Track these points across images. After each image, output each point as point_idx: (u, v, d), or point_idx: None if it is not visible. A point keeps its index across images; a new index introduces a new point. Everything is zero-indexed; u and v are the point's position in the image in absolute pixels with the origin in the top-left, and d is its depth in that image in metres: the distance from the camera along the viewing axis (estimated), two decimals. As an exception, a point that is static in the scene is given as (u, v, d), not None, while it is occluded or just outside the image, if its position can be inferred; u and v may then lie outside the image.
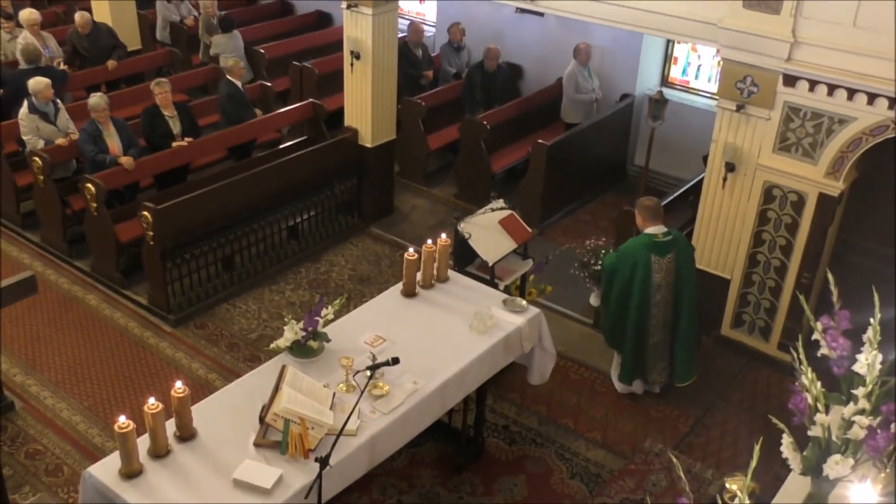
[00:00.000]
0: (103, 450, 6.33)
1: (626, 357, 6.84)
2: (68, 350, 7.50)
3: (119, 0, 11.85)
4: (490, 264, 6.51)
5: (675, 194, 8.62)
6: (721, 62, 6.79)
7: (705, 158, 7.65)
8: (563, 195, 9.83)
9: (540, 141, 9.33)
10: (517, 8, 10.23)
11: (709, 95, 10.30)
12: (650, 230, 6.42)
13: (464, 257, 6.71)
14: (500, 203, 6.95)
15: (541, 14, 10.41)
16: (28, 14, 10.32)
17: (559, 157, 9.41)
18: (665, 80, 10.76)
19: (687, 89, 10.64)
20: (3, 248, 8.99)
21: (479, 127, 9.74)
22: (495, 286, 6.48)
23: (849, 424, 3.54)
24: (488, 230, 6.66)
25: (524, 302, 6.06)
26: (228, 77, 9.69)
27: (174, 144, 8.77)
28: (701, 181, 7.56)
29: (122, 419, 4.28)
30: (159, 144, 8.80)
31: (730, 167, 6.80)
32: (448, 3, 12.02)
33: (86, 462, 6.05)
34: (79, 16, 10.91)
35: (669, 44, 10.51)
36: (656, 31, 7.29)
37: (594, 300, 8.09)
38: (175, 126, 8.89)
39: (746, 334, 7.35)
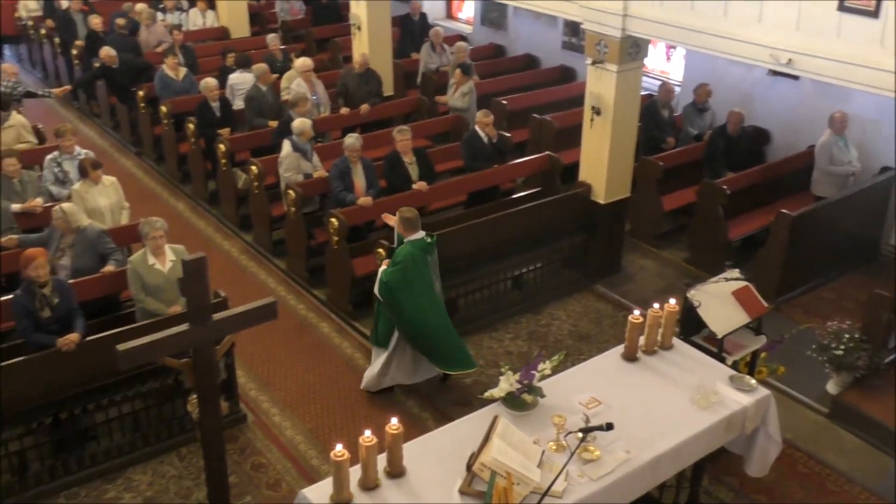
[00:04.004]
0: (319, 472, 6.65)
1: (439, 345, 7.37)
2: (298, 373, 7.98)
3: (379, 48, 12.64)
4: (719, 336, 6.21)
5: (938, 281, 7.80)
6: None
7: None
8: (804, 270, 9.19)
9: (784, 210, 8.81)
10: (770, 70, 9.80)
11: None
12: (415, 237, 7.18)
13: (690, 326, 6.44)
14: (736, 273, 6.64)
15: (796, 77, 9.91)
16: (302, 62, 11.39)
17: (804, 230, 8.82)
18: (933, 155, 9.84)
19: (959, 166, 9.66)
20: (255, 270, 9.79)
21: (719, 192, 9.37)
22: (722, 360, 6.15)
23: None
24: (720, 300, 6.37)
25: (753, 381, 5.69)
26: (475, 127, 9.96)
27: (413, 187, 9.17)
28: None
29: (338, 447, 4.46)
30: (399, 187, 9.23)
31: None
32: (696, 61, 11.76)
33: (302, 481, 6.40)
34: (360, 55, 11.88)
35: (942, 115, 9.62)
36: (929, 102, 6.69)
37: (833, 387, 7.49)
38: (413, 172, 9.29)
39: None
